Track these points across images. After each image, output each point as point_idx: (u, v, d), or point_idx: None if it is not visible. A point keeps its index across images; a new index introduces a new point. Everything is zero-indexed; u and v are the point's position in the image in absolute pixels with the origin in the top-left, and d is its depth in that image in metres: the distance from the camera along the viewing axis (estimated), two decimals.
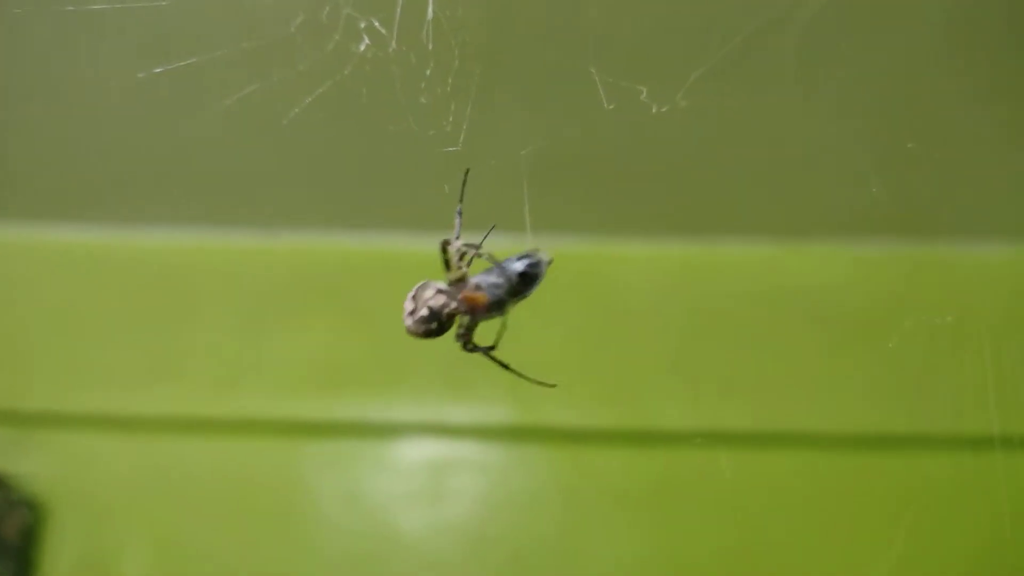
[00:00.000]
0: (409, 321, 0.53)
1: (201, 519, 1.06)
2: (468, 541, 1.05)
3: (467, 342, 0.55)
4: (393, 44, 0.66)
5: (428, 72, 0.66)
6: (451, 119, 0.64)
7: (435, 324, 0.53)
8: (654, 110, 0.68)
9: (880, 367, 1.04)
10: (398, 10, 0.66)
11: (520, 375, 0.57)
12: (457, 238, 0.55)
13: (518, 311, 1.06)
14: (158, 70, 0.66)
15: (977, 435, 0.99)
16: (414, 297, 0.53)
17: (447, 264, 0.54)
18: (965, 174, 0.99)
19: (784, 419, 1.05)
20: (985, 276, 1.09)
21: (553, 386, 0.58)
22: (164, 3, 0.65)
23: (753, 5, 0.71)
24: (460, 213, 0.56)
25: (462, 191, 0.56)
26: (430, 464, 1.08)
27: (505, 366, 0.57)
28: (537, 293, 1.12)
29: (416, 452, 1.08)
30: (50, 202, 1.05)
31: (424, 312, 0.52)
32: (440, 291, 0.53)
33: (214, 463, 1.07)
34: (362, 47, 0.65)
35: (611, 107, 0.66)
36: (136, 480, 1.07)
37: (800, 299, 1.08)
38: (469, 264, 0.55)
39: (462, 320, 0.56)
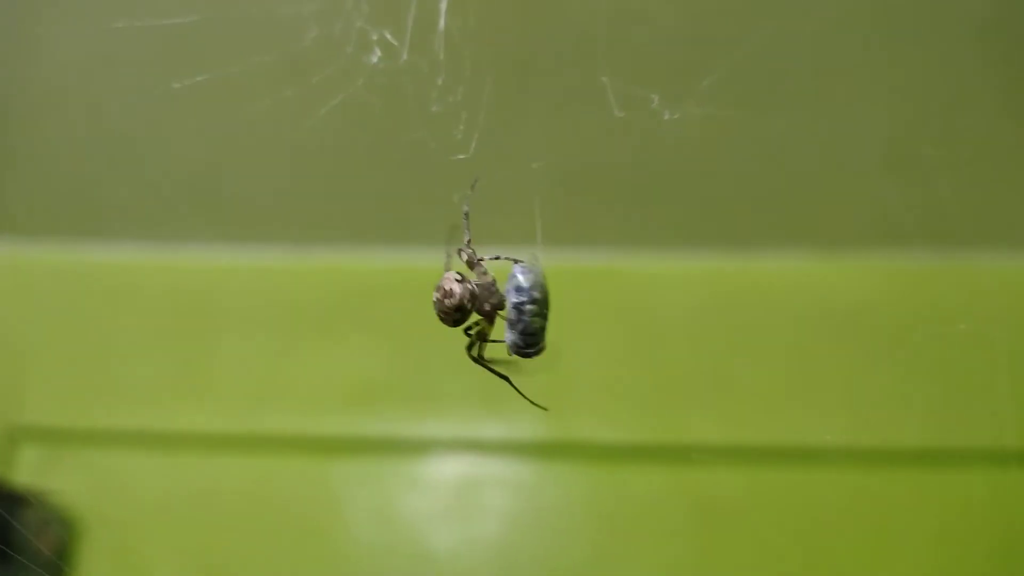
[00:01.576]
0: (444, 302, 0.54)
1: (232, 536, 1.06)
2: (499, 559, 1.04)
3: (472, 347, 0.56)
4: (405, 55, 0.67)
5: (440, 81, 0.66)
6: (462, 128, 0.65)
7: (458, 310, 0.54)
8: (666, 116, 0.68)
9: (922, 380, 1.02)
10: (410, 21, 0.67)
11: (518, 392, 0.57)
12: (468, 242, 0.55)
13: (554, 327, 1.07)
14: (176, 85, 0.67)
15: (1018, 449, 0.97)
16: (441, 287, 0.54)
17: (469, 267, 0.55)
18: (998, 185, 0.97)
19: (823, 435, 1.03)
20: (1020, 287, 1.07)
21: (545, 409, 0.58)
22: (179, 21, 0.67)
23: (763, 13, 0.71)
24: (467, 216, 0.56)
25: (468, 196, 0.56)
26: (461, 481, 1.07)
27: (505, 378, 0.57)
28: (568, 307, 1.12)
29: (447, 469, 1.08)
30: (83, 221, 1.07)
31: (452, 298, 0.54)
32: (459, 281, 0.54)
33: (245, 480, 1.07)
34: (374, 59, 0.66)
35: (621, 115, 0.66)
36: (168, 497, 1.07)
37: (838, 312, 1.06)
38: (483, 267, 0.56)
39: (476, 327, 0.56)
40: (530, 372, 0.58)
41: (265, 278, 1.12)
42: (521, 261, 0.53)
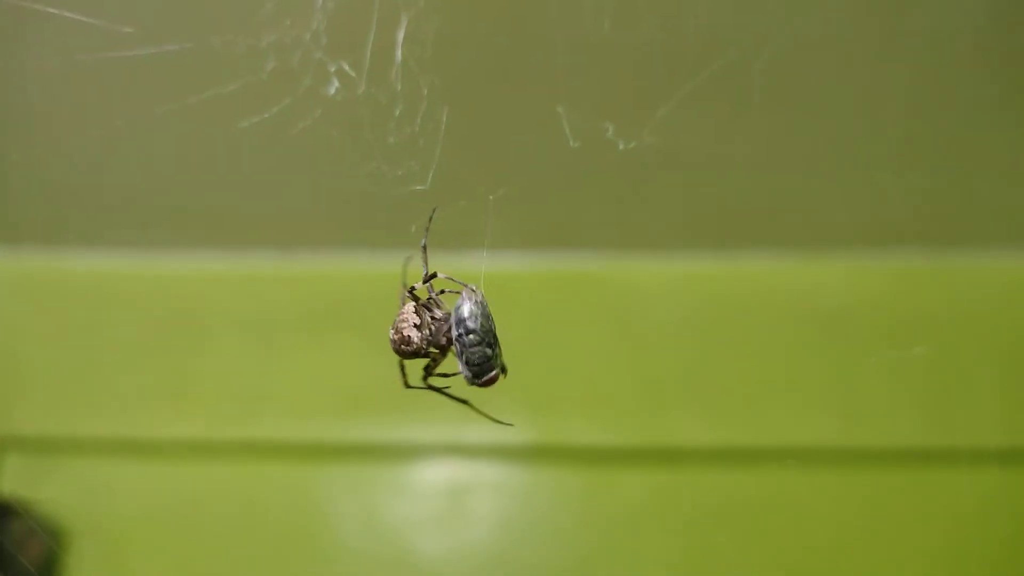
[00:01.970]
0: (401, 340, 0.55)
1: (220, 544, 1.05)
2: (488, 565, 1.04)
3: (428, 375, 0.57)
4: (363, 86, 0.67)
5: (397, 112, 0.67)
6: (419, 159, 0.66)
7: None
8: (620, 147, 0.69)
9: (906, 380, 1.03)
10: (368, 53, 0.67)
11: (479, 412, 0.58)
12: (425, 275, 0.56)
13: (541, 331, 1.06)
14: (158, 110, 0.68)
15: (1005, 448, 0.99)
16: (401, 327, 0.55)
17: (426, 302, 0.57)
18: (986, 185, 0.98)
19: (812, 436, 1.04)
20: (1007, 286, 1.09)
21: (510, 425, 0.58)
22: (139, 53, 0.67)
23: (722, 38, 0.72)
24: (424, 248, 0.57)
25: (427, 227, 0.57)
26: (449, 486, 1.07)
27: (464, 401, 0.58)
28: (556, 311, 1.12)
29: (434, 474, 1.08)
30: (67, 229, 1.07)
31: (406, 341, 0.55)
32: (416, 326, 0.55)
33: (233, 488, 1.07)
34: (332, 90, 0.67)
35: (576, 145, 0.67)
36: (154, 505, 1.06)
37: (824, 313, 1.07)
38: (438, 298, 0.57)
39: (433, 354, 0.57)
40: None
41: (251, 285, 1.12)
42: (469, 285, 0.54)
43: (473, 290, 0.54)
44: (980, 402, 1.00)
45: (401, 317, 0.56)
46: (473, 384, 0.55)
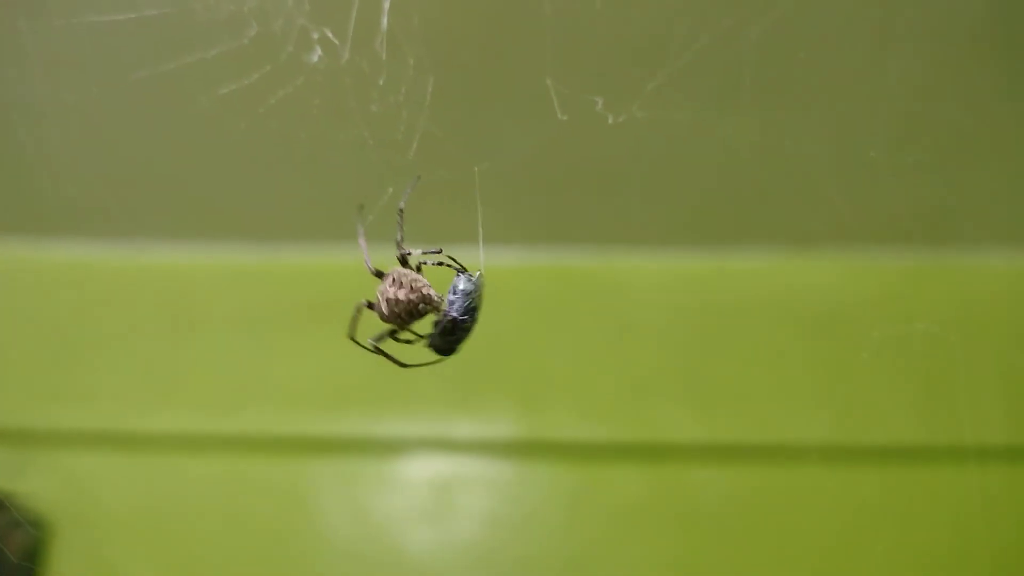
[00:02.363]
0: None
1: (205, 537, 1.05)
2: (474, 558, 1.03)
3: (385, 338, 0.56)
4: (346, 55, 0.66)
5: (381, 82, 0.66)
6: (403, 128, 0.64)
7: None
8: (610, 120, 0.68)
9: (893, 377, 1.02)
10: (352, 20, 0.66)
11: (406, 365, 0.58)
12: (400, 239, 0.56)
13: (530, 326, 1.06)
14: (135, 76, 0.66)
15: (986, 445, 0.98)
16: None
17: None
18: (976, 184, 0.98)
19: (801, 433, 1.04)
20: (995, 284, 1.08)
21: (403, 365, 0.57)
22: (119, 18, 0.65)
23: (713, 16, 0.71)
24: (401, 212, 0.56)
25: (406, 194, 0.56)
26: (436, 481, 1.06)
27: (404, 364, 0.57)
28: (546, 306, 1.12)
29: (422, 469, 1.07)
30: (51, 218, 1.05)
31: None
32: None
33: (218, 481, 1.06)
34: (315, 58, 0.65)
35: (564, 118, 0.66)
36: (140, 499, 1.06)
37: (813, 310, 1.07)
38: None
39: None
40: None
41: (237, 278, 1.11)
42: (468, 272, 0.54)
43: (480, 274, 0.54)
44: (971, 400, 0.99)
45: (412, 277, 0.55)
46: (439, 353, 0.56)
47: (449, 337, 0.55)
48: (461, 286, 0.54)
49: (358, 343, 0.57)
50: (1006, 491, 0.99)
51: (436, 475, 1.06)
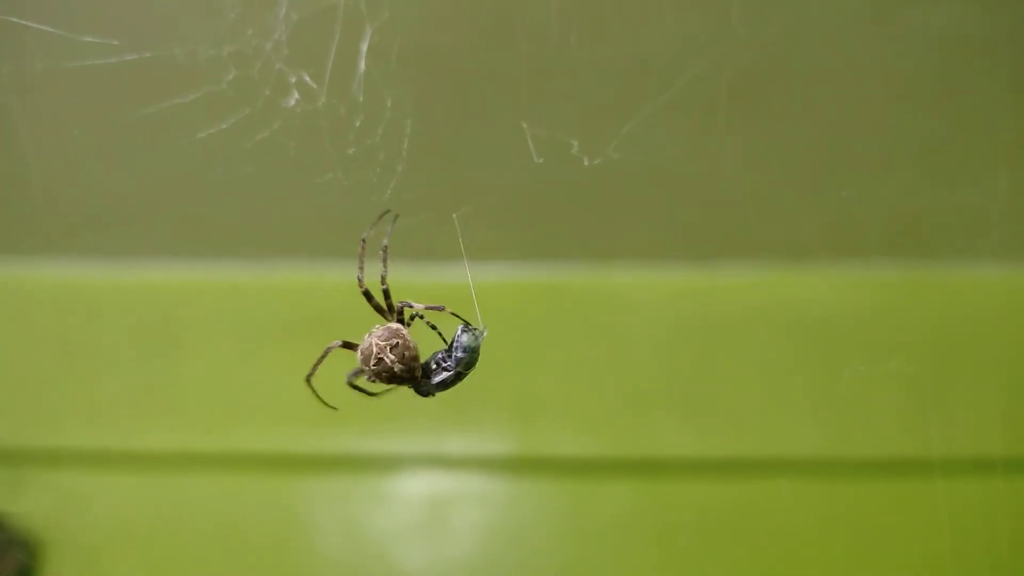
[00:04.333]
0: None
1: (197, 555, 1.04)
2: (469, 574, 1.03)
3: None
4: (323, 98, 0.66)
5: (357, 124, 0.66)
6: (378, 170, 0.65)
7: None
8: (585, 163, 0.68)
9: (893, 390, 1.02)
10: (329, 64, 0.67)
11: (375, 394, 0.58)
12: (384, 277, 0.57)
13: (524, 342, 1.06)
14: (132, 115, 0.67)
15: (983, 457, 0.98)
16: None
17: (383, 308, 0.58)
18: (968, 196, 0.98)
19: (794, 446, 1.04)
20: (988, 296, 1.08)
21: (335, 408, 0.58)
22: (98, 63, 0.66)
23: (688, 52, 0.72)
24: (385, 250, 0.57)
25: (388, 233, 0.57)
26: (430, 497, 1.06)
27: (374, 394, 0.59)
28: (539, 322, 1.12)
29: (416, 485, 1.06)
30: (40, 238, 1.05)
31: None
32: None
33: (210, 499, 1.05)
34: (292, 102, 0.66)
35: (540, 161, 0.66)
36: (131, 517, 1.05)
37: (806, 323, 1.06)
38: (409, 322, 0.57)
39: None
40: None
41: (230, 295, 1.10)
42: (472, 327, 0.55)
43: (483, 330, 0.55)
44: (967, 413, 0.99)
45: (405, 345, 0.56)
46: (422, 393, 0.57)
47: (443, 388, 0.56)
48: (467, 342, 0.55)
49: (311, 388, 0.58)
50: (1004, 503, 0.98)
51: (430, 491, 1.05)
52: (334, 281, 1.08)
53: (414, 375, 0.55)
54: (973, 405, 1.00)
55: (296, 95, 0.67)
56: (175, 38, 0.69)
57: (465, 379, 0.57)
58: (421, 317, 0.56)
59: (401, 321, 0.57)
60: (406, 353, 0.55)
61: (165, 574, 1.03)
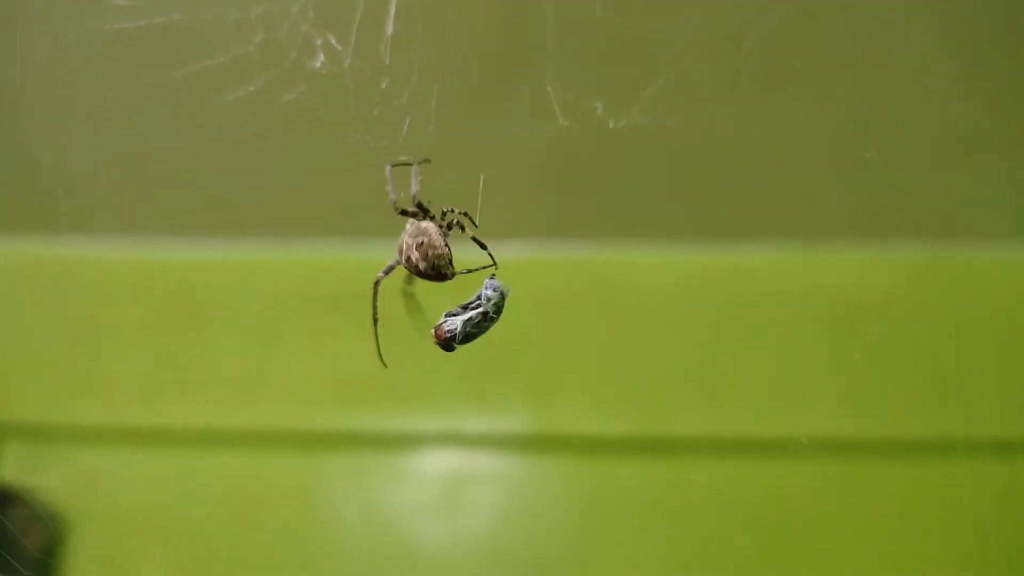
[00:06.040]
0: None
1: (220, 531, 1.05)
2: (486, 552, 1.03)
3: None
4: (349, 59, 0.67)
5: (384, 85, 0.67)
6: (405, 131, 0.65)
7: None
8: (611, 125, 0.68)
9: (902, 370, 1.02)
10: (355, 26, 0.67)
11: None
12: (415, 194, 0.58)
13: (543, 320, 1.07)
14: (154, 79, 0.68)
15: (1005, 439, 0.98)
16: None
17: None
18: (981, 177, 0.98)
19: (808, 426, 1.03)
20: (1013, 277, 1.08)
21: (386, 366, 0.62)
22: (127, 26, 0.67)
23: (713, 18, 0.72)
24: (417, 164, 0.58)
25: (416, 165, 0.58)
26: (447, 475, 1.06)
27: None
28: (556, 300, 1.13)
29: (433, 463, 1.07)
30: (65, 216, 1.06)
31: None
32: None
33: (232, 476, 1.06)
34: (318, 64, 0.66)
35: (565, 123, 0.67)
36: (156, 493, 1.06)
37: (822, 303, 1.06)
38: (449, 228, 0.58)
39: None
40: None
41: (250, 272, 1.11)
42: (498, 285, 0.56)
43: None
44: (991, 395, 0.99)
45: (431, 241, 0.56)
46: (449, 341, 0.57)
47: (473, 330, 0.56)
48: (496, 284, 0.56)
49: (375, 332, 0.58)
50: None
51: (448, 470, 1.06)
52: (354, 259, 1.08)
53: (441, 273, 0.56)
54: (996, 387, 0.99)
55: (322, 57, 0.67)
56: (203, 2, 0.70)
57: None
58: (461, 227, 0.56)
59: (441, 224, 0.57)
60: (430, 252, 0.56)
61: (187, 546, 1.04)
